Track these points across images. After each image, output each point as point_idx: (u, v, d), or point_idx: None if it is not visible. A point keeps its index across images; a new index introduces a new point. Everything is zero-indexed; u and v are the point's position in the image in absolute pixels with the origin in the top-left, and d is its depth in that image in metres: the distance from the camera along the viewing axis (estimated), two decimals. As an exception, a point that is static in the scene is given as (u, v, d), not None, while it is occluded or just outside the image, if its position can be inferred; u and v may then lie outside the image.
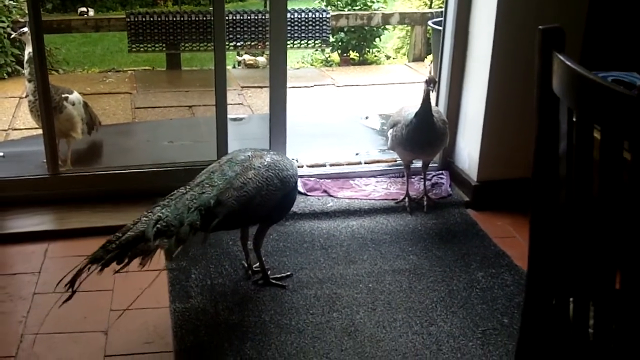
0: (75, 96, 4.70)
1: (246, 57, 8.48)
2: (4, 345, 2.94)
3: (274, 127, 4.33)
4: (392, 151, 4.32)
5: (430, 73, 4.05)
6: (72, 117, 4.62)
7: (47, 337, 3.01)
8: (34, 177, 4.06)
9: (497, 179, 4.21)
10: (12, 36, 5.23)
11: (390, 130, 4.07)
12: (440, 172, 4.46)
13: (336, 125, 5.97)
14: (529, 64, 1.94)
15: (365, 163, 4.77)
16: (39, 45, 3.89)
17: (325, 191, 4.26)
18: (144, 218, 2.84)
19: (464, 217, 4.12)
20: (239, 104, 6.50)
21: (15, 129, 5.67)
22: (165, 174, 4.19)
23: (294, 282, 3.43)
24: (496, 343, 3.02)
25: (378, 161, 4.81)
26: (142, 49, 7.63)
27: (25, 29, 4.39)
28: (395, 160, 4.62)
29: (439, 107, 4.48)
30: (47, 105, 4.00)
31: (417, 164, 4.31)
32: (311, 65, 8.64)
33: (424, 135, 3.92)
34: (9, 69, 7.06)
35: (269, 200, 3.14)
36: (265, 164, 3.19)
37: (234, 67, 8.59)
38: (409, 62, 8.40)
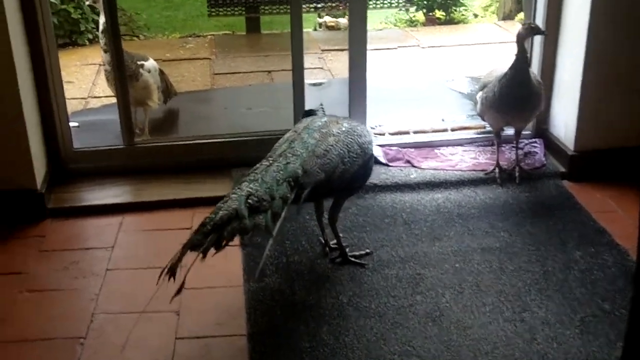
0: (151, 63, 4.59)
1: (327, 18, 8.23)
2: (74, 325, 2.85)
3: (353, 91, 4.12)
4: (481, 118, 4.02)
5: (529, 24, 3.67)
6: (149, 84, 4.51)
7: (117, 317, 2.90)
8: (109, 147, 3.97)
9: (596, 148, 3.87)
10: (88, 2, 5.11)
11: (480, 93, 3.79)
12: (534, 140, 4.15)
13: (420, 89, 5.68)
14: (635, 19, 1.66)
15: (452, 130, 4.51)
16: (112, 13, 3.75)
17: (408, 161, 4.01)
18: (233, 195, 2.65)
19: (560, 189, 3.81)
20: (319, 68, 6.27)
21: (95, 97, 5.60)
22: (242, 143, 4.03)
23: (374, 260, 3.23)
24: (596, 331, 2.75)
25: (466, 128, 4.54)
26: (221, 13, 7.49)
27: (100, -5, 4.28)
28: (484, 127, 4.33)
29: (533, 69, 4.15)
30: (121, 76, 3.88)
31: (509, 131, 4.00)
32: (394, 25, 8.31)
33: (519, 91, 3.62)
34: (90, 36, 7.00)
35: (350, 167, 2.96)
36: (344, 129, 3.03)
37: (314, 29, 8.35)
38: (498, 20, 7.96)
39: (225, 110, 5.32)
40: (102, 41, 4.23)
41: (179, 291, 2.46)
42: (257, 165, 2.84)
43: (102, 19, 4.08)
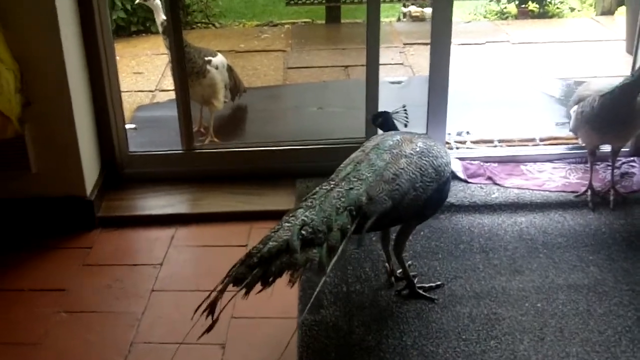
0: (219, 59, 4.33)
1: (412, 8, 7.81)
2: (109, 355, 2.62)
3: (433, 92, 3.75)
4: (574, 134, 3.61)
5: None
6: (215, 82, 4.27)
7: (157, 348, 2.66)
8: (166, 152, 3.73)
9: None
10: (137, 2, 4.59)
11: (575, 107, 3.37)
12: (632, 159, 3.71)
13: (508, 91, 5.26)
14: None
15: (541, 140, 4.10)
16: (173, 2, 3.47)
17: (490, 178, 3.64)
18: (286, 224, 2.37)
19: (660, 217, 3.38)
20: (399, 63, 5.91)
21: (163, 90, 5.41)
22: (307, 152, 3.74)
23: (444, 294, 2.88)
24: (702, 400, 2.35)
25: (555, 139, 4.12)
26: (300, 1, 7.20)
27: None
28: (577, 138, 3.90)
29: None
30: (181, 73, 3.62)
31: (604, 149, 3.58)
32: (484, 17, 7.84)
33: (622, 111, 3.20)
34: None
35: (422, 193, 2.61)
36: (418, 150, 2.67)
37: (398, 19, 7.97)
38: (596, 15, 7.40)
39: (295, 109, 5.04)
40: (165, 42, 4.00)
41: (210, 328, 2.23)
42: (317, 189, 2.55)
43: (159, 17, 3.84)
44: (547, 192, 3.52)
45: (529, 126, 4.43)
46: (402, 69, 5.81)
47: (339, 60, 5.98)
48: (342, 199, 2.45)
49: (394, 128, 3.03)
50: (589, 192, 3.47)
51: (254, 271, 2.25)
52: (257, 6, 9.06)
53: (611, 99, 3.16)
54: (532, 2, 7.70)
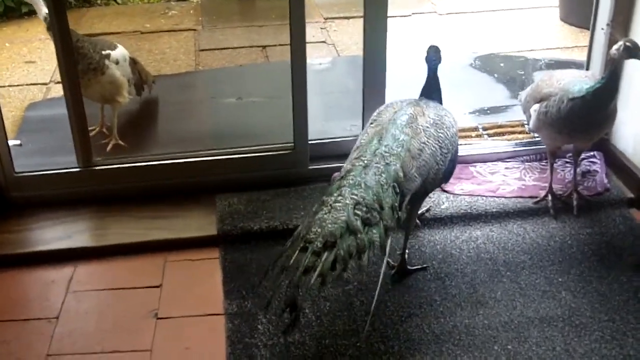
0: (119, 52, 3.73)
1: (330, -24, 7.27)
2: None
3: (369, 75, 3.24)
4: (532, 132, 3.21)
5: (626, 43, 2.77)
6: (116, 79, 3.67)
7: None
8: (61, 171, 3.14)
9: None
10: None
11: (536, 106, 2.95)
12: (592, 154, 3.33)
13: (443, 70, 4.82)
14: None
15: (484, 130, 3.70)
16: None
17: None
18: (337, 204, 2.26)
19: (629, 223, 3.02)
20: (322, 41, 5.39)
21: (58, 82, 4.74)
22: (229, 163, 3.22)
23: (399, 339, 2.45)
24: None
25: (500, 127, 3.73)
26: (209, -28, 6.56)
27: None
28: (524, 126, 3.54)
29: (593, 63, 3.33)
30: (72, 85, 3.04)
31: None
32: (406, -16, 7.38)
33: (593, 117, 2.82)
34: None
35: (442, 166, 2.55)
36: (432, 122, 2.57)
37: (316, -11, 7.41)
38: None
39: (212, 100, 4.47)
40: (47, 30, 3.38)
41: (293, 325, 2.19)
42: (349, 166, 2.43)
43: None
44: (502, 199, 3.11)
45: (469, 112, 4.03)
46: (326, 48, 5.30)
47: (255, 39, 5.41)
48: (384, 175, 2.36)
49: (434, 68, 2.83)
50: (550, 197, 3.08)
51: (322, 257, 2.13)
52: (163, -26, 8.36)
53: (581, 104, 2.76)
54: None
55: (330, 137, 3.41)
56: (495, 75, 4.71)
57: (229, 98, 4.43)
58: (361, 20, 3.16)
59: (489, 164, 3.34)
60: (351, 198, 2.27)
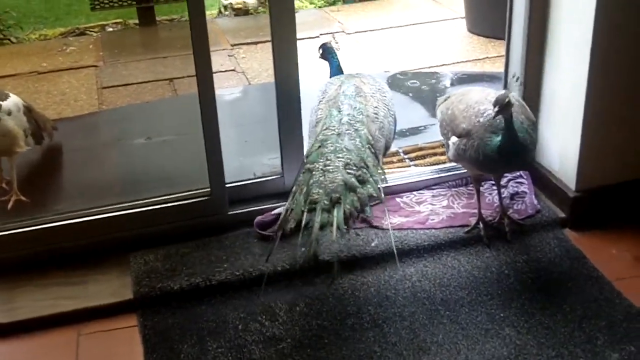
0: (11, 102, 3.43)
1: (233, -1, 7.03)
2: None
3: (282, 102, 3.04)
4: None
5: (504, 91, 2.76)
6: (9, 131, 3.38)
7: None
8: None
9: (604, 184, 3.00)
10: None
11: (454, 139, 2.82)
12: (518, 174, 3.24)
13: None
14: None
15: (405, 154, 3.59)
16: None
17: (364, 219, 3.04)
18: (328, 167, 2.50)
19: (563, 245, 2.94)
20: (231, 70, 5.20)
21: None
22: (142, 216, 2.98)
23: (342, 400, 2.27)
24: None
25: (421, 149, 3.64)
26: (107, 6, 6.28)
27: None
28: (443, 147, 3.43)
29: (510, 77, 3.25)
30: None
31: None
32: (310, 3, 7.25)
33: (504, 161, 2.73)
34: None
35: (393, 126, 2.88)
36: (375, 89, 2.90)
37: (219, 13, 7.20)
38: (428, -9, 7.01)
39: (119, 143, 4.21)
40: None
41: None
42: (320, 137, 2.64)
43: None
44: (433, 231, 2.98)
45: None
46: (236, 76, 5.10)
47: (161, 72, 5.17)
48: (357, 139, 2.60)
49: (335, 57, 3.19)
50: (481, 225, 2.97)
51: (333, 213, 2.37)
52: (60, 7, 8.00)
53: (497, 159, 2.67)
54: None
55: (249, 177, 3.22)
56: (410, 94, 4.61)
57: (138, 139, 4.18)
58: (269, 45, 2.98)
59: (414, 193, 3.21)
60: (339, 161, 2.50)
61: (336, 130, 2.64)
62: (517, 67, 3.18)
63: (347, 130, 2.64)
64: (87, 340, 2.55)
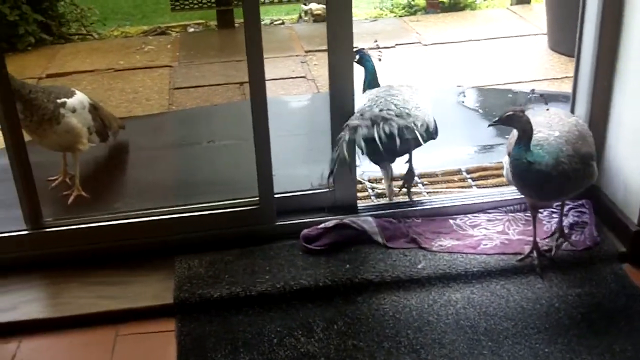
0: (76, 100, 3.52)
1: (313, 5, 7.02)
2: None
3: (335, 114, 3.03)
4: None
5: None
6: (73, 128, 3.46)
7: None
8: (6, 234, 2.91)
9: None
10: None
11: (505, 158, 2.74)
12: (581, 202, 3.10)
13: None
14: None
15: (468, 173, 3.50)
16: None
17: (413, 239, 2.97)
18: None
19: (620, 280, 2.79)
20: (301, 77, 5.19)
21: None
22: (189, 221, 2.99)
23: None
24: None
25: (485, 169, 3.55)
26: (186, 7, 6.38)
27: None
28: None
29: (578, 106, 3.11)
30: (14, 139, 2.82)
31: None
32: (390, 12, 7.18)
33: (528, 186, 2.66)
34: (32, 39, 5.91)
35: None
36: (412, 91, 3.18)
37: (299, 18, 7.23)
38: (511, 5, 6.84)
39: (183, 144, 4.25)
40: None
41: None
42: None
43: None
44: (484, 256, 2.88)
45: (452, 152, 3.81)
46: (305, 83, 5.09)
47: (232, 75, 5.21)
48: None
49: (371, 63, 3.27)
50: (535, 254, 2.85)
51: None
52: (148, 5, 8.19)
53: (516, 176, 2.60)
54: (442, -7, 7.07)
55: (302, 189, 3.19)
56: (480, 110, 4.50)
57: (201, 141, 4.22)
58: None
59: (469, 215, 3.11)
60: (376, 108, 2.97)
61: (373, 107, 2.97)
62: (584, 88, 3.04)
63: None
64: (123, 340, 2.56)
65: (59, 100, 3.40)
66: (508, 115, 2.54)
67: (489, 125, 2.65)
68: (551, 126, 2.71)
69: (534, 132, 2.63)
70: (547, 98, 4.55)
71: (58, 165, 3.65)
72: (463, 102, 4.66)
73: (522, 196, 3.00)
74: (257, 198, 2.99)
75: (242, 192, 3.12)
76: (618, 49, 2.91)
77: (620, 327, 2.56)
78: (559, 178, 2.58)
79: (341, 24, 2.84)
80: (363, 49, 3.37)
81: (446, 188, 3.41)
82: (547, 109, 2.94)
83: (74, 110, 3.46)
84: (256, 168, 2.96)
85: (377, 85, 3.25)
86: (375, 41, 3.05)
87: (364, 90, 3.23)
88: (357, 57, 3.18)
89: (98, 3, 7.24)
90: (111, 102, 4.74)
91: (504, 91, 4.77)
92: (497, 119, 2.57)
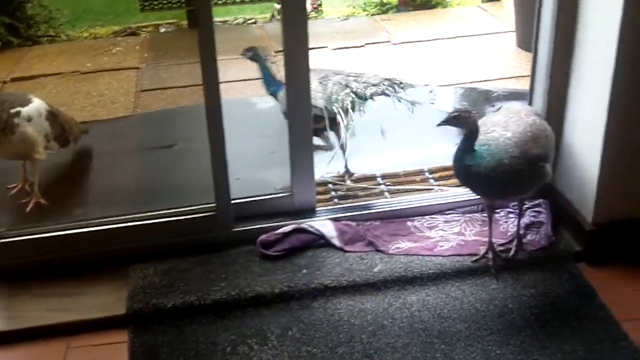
0: (33, 107, 3.48)
1: (285, 4, 6.99)
2: None
3: (294, 115, 3.00)
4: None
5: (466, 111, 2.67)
6: (28, 137, 3.42)
7: None
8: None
9: (626, 218, 2.85)
10: None
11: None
12: (537, 202, 3.10)
13: (392, 107, 4.59)
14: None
15: (430, 173, 3.49)
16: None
17: (371, 243, 2.97)
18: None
19: (574, 280, 2.81)
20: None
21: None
22: (145, 229, 2.97)
23: None
24: None
25: (446, 169, 3.53)
26: (156, 7, 6.30)
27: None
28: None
29: (535, 103, 3.11)
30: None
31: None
32: (363, 10, 7.16)
33: (477, 186, 2.72)
34: (-1, 42, 5.86)
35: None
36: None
37: (272, 18, 7.20)
38: (482, 2, 6.84)
39: (144, 149, 4.22)
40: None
41: None
42: None
43: None
44: (440, 258, 2.88)
45: (417, 152, 3.80)
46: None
47: (199, 77, 5.11)
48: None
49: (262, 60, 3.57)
50: (490, 254, 2.85)
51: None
52: (121, 4, 8.09)
53: (473, 176, 2.66)
54: (414, -10, 7.06)
55: (260, 193, 3.17)
56: (449, 110, 4.48)
57: (163, 145, 4.19)
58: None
59: (427, 217, 3.11)
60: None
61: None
62: (541, 85, 3.05)
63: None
64: (74, 353, 2.54)
65: (12, 110, 3.36)
66: (454, 115, 2.55)
67: (437, 125, 2.64)
68: (507, 126, 2.71)
69: (489, 131, 2.64)
70: (507, 97, 4.55)
71: (18, 172, 3.62)
72: (431, 101, 4.65)
73: (479, 197, 3.01)
74: (214, 204, 2.97)
75: (204, 197, 3.09)
76: (574, 43, 2.90)
77: (572, 326, 2.56)
78: (500, 178, 2.59)
79: (295, 24, 2.82)
80: (256, 48, 3.63)
81: (409, 187, 3.39)
82: (498, 109, 2.95)
83: (29, 119, 3.42)
84: (212, 173, 2.94)
85: (276, 80, 3.52)
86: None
87: (268, 89, 3.58)
88: (251, 53, 3.54)
89: (69, 3, 7.18)
90: (75, 106, 4.70)
91: (469, 89, 4.78)
92: (444, 119, 2.57)
